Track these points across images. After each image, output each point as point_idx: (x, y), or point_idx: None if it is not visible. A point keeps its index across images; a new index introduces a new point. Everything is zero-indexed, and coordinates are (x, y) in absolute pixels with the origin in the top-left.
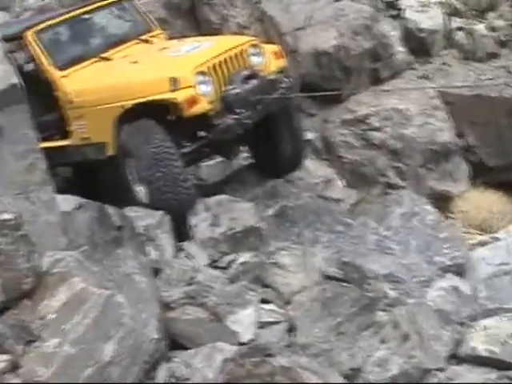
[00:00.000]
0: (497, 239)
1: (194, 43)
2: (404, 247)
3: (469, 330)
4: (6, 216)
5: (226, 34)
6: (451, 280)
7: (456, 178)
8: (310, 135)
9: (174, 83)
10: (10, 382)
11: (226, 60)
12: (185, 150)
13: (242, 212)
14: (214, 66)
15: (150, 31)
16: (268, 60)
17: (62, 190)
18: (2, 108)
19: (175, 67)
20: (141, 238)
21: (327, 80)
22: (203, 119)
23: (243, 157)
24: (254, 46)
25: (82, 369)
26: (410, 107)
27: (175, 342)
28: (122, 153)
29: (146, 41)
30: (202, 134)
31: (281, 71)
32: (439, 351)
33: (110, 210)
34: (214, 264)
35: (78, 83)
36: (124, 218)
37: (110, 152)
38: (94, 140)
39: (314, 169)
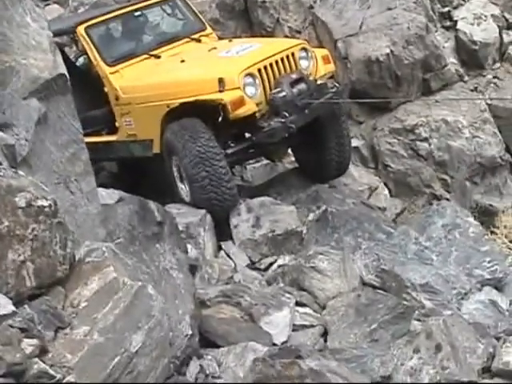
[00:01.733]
0: None
1: (244, 44)
2: (443, 258)
3: (504, 345)
4: (41, 202)
5: (279, 37)
6: (489, 294)
7: (502, 192)
8: (357, 142)
9: (221, 84)
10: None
11: (274, 62)
12: (229, 151)
13: (284, 215)
14: (262, 69)
15: (201, 30)
16: (317, 64)
17: (106, 185)
18: (48, 97)
19: (223, 68)
20: (181, 235)
21: (377, 88)
22: (249, 121)
23: (289, 160)
24: (304, 49)
25: (109, 357)
26: (460, 119)
27: (208, 340)
28: (168, 150)
29: (197, 40)
30: (248, 135)
31: (330, 76)
32: (472, 364)
33: (152, 205)
34: (252, 265)
35: (126, 80)
36: (166, 214)
37: (156, 149)
38: (141, 137)
39: (359, 176)
